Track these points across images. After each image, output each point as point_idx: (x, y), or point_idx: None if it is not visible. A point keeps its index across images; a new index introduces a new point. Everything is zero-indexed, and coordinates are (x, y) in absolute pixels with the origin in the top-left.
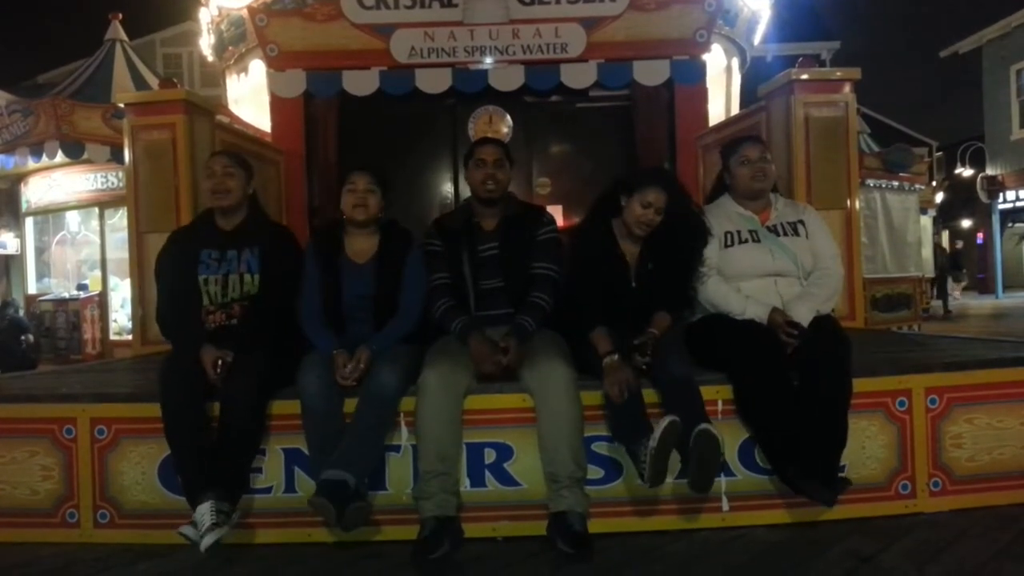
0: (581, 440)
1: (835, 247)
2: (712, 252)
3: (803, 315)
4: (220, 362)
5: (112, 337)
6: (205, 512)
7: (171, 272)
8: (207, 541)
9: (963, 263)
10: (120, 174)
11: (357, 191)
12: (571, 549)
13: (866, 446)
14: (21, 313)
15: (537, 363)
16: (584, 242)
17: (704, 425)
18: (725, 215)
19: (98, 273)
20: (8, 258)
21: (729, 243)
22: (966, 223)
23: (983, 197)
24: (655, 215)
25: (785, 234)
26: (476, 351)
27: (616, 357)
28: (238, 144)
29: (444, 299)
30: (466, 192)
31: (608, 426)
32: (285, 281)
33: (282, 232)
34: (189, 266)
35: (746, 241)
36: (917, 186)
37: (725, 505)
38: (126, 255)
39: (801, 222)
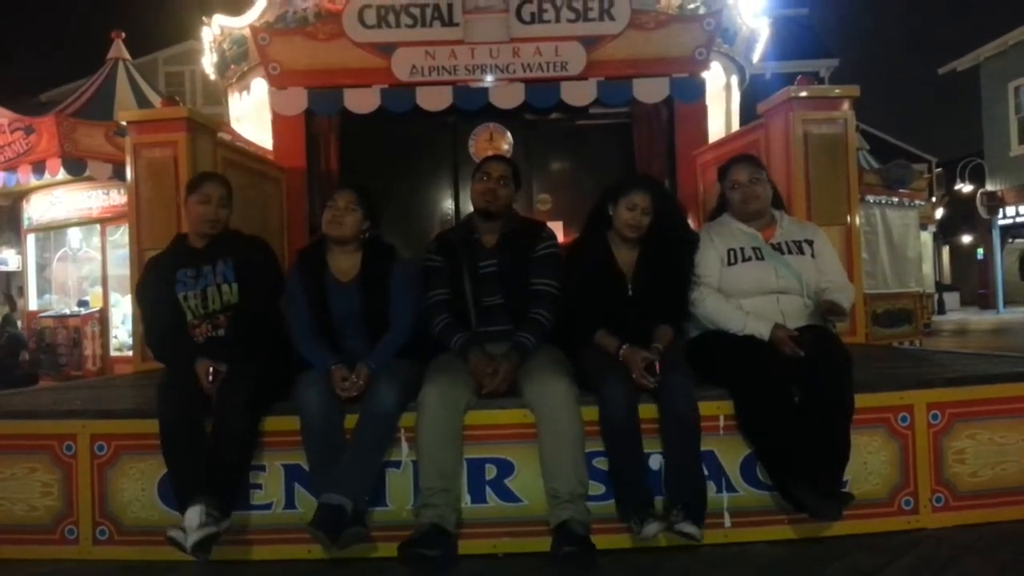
0: (583, 456)
1: (844, 274)
2: (713, 269)
3: (845, 301)
4: (212, 370)
5: (112, 353)
6: (194, 515)
7: (152, 297)
8: (193, 538)
9: None
10: (122, 191)
11: (336, 208)
12: (574, 548)
13: (868, 462)
14: (20, 329)
15: (538, 379)
16: (579, 256)
17: (691, 529)
18: (728, 232)
19: (99, 290)
20: (9, 275)
21: (732, 261)
22: (966, 239)
23: (983, 213)
24: (642, 216)
25: (790, 252)
26: (476, 367)
27: (627, 346)
28: (240, 162)
29: (443, 316)
30: (467, 208)
31: (612, 485)
32: (263, 287)
33: (254, 241)
34: (168, 287)
35: (750, 259)
36: (917, 202)
37: (727, 521)
38: (127, 272)
39: (808, 242)
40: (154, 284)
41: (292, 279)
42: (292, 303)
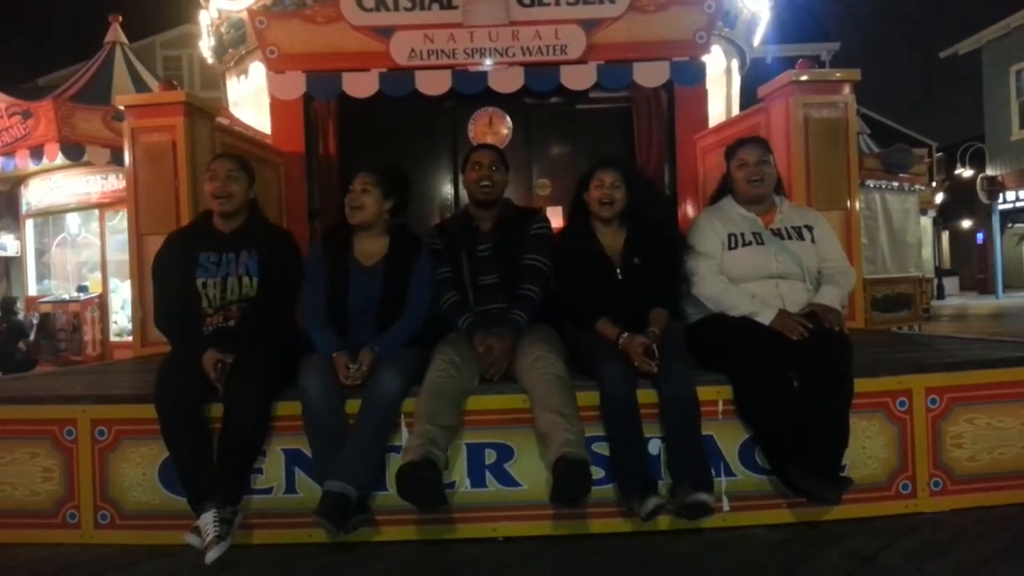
0: (575, 411)
1: (845, 257)
2: (715, 251)
3: (831, 300)
4: (220, 364)
5: (112, 339)
6: (208, 522)
7: (169, 275)
8: (212, 556)
9: None
10: (120, 176)
11: (353, 192)
12: (574, 476)
13: (867, 446)
14: (21, 316)
15: (528, 355)
16: (567, 245)
17: (704, 496)
18: (728, 217)
19: (98, 275)
20: (8, 260)
21: (733, 245)
22: (966, 223)
23: (983, 197)
24: (611, 189)
25: (790, 237)
26: (479, 346)
27: (627, 334)
28: (238, 146)
29: (451, 293)
30: (466, 193)
31: (612, 470)
32: (284, 284)
33: (282, 235)
34: (187, 269)
35: (749, 243)
36: (917, 187)
37: (726, 505)
38: (126, 257)
39: (808, 227)
40: (174, 261)
41: (314, 257)
42: (310, 282)
